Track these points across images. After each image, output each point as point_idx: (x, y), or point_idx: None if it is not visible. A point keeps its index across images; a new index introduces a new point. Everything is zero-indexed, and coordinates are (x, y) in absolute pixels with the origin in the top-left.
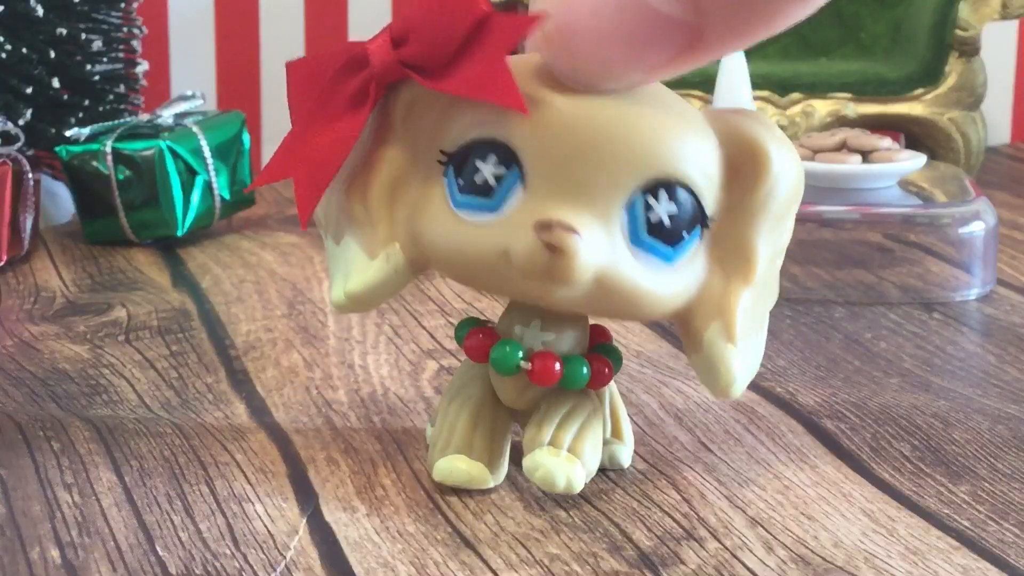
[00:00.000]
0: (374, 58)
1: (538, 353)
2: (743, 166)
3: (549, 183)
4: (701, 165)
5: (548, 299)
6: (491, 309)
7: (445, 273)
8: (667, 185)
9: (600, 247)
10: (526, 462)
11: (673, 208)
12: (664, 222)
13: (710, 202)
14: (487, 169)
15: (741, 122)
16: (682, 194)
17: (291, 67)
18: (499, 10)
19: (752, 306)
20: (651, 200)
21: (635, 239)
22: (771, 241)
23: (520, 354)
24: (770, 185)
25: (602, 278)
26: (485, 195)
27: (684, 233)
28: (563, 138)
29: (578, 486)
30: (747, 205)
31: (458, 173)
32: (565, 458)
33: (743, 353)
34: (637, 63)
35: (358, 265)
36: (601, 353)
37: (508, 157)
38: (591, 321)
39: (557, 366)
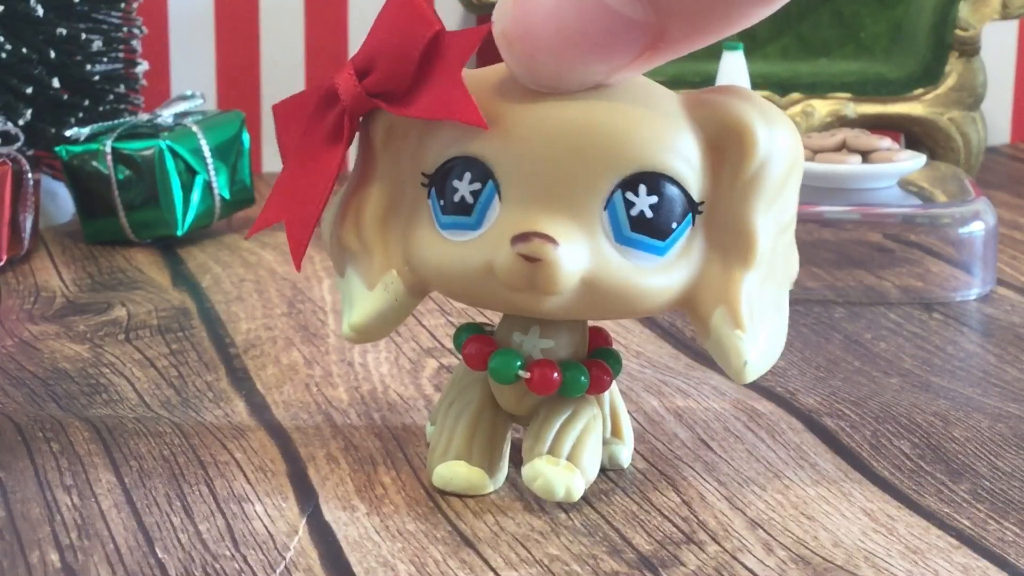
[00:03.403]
0: (343, 92)
1: (537, 362)
2: (727, 146)
3: (524, 193)
4: (679, 152)
5: (538, 309)
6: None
7: (441, 292)
8: (645, 178)
9: (581, 252)
10: (525, 471)
11: (654, 200)
12: (647, 215)
13: (696, 187)
14: (463, 187)
15: (721, 101)
16: (663, 185)
17: (276, 109)
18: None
19: (760, 287)
20: (630, 196)
21: (619, 237)
22: (771, 218)
23: (519, 363)
24: (759, 161)
25: (589, 282)
26: (465, 213)
27: (673, 224)
28: (531, 146)
29: (577, 495)
30: (738, 185)
31: (439, 194)
32: (564, 467)
33: (755, 336)
34: (599, 64)
35: (359, 296)
36: (600, 357)
37: (483, 173)
38: (590, 323)
39: (556, 375)
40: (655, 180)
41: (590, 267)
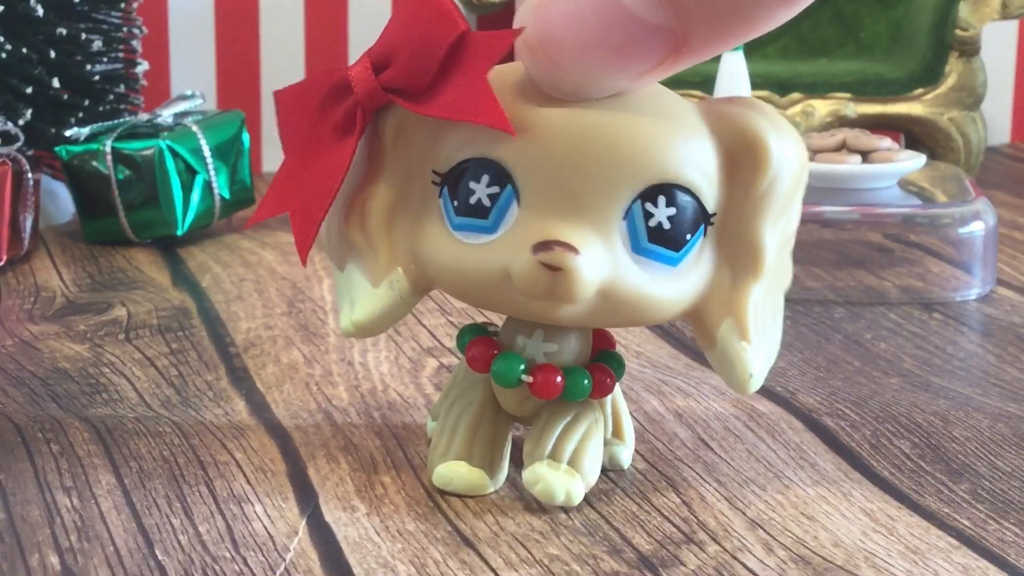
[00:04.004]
0: (357, 85)
1: (540, 366)
2: (742, 158)
3: (544, 199)
4: (697, 164)
5: (552, 317)
6: None
7: (449, 293)
8: (664, 189)
9: (600, 262)
10: (526, 475)
11: (672, 211)
12: (664, 227)
13: (710, 199)
14: (481, 190)
15: (738, 113)
16: (681, 196)
17: (279, 96)
18: (499, 11)
19: (764, 299)
20: (649, 207)
21: (636, 247)
22: (778, 230)
23: (522, 367)
24: (772, 176)
25: (606, 292)
26: (481, 216)
27: (687, 235)
28: (553, 152)
29: (577, 499)
30: (750, 198)
31: (453, 194)
32: (565, 471)
33: (759, 348)
34: (622, 71)
35: (362, 293)
36: (604, 361)
37: (501, 176)
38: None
39: (558, 379)
40: (674, 192)
41: (608, 277)
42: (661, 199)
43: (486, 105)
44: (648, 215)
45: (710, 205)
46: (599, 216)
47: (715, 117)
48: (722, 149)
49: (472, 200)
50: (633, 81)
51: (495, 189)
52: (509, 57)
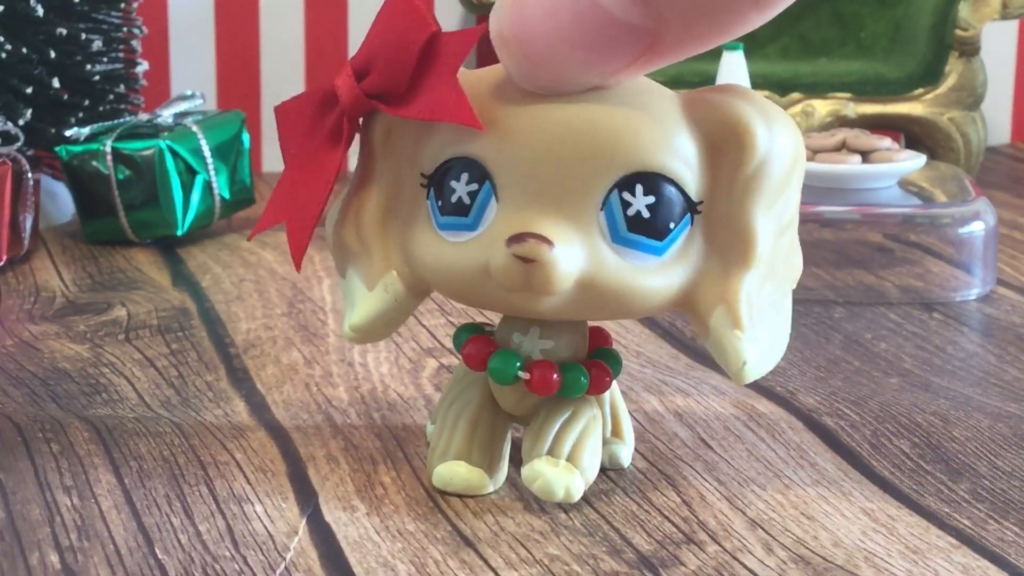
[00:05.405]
0: (341, 94)
1: (536, 363)
2: (726, 145)
3: (520, 194)
4: (675, 152)
5: (534, 310)
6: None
7: (439, 292)
8: (641, 178)
9: (577, 253)
10: (525, 471)
11: (651, 200)
12: (644, 215)
13: (694, 187)
14: (461, 188)
15: (719, 100)
16: (660, 185)
17: (278, 111)
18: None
19: (759, 288)
20: (627, 196)
21: (616, 238)
22: (771, 217)
23: (518, 364)
24: (757, 161)
25: (585, 283)
26: (462, 214)
27: (671, 224)
28: (526, 146)
29: (576, 496)
30: (737, 184)
31: (437, 195)
32: (564, 467)
33: (754, 336)
34: (595, 67)
35: (359, 297)
36: (600, 358)
37: (480, 173)
38: (590, 323)
39: (555, 376)
40: (652, 180)
41: (586, 268)
42: (639, 188)
43: (454, 102)
44: (626, 204)
45: (694, 193)
46: (575, 208)
47: (696, 105)
48: (703, 137)
49: (454, 199)
50: (607, 78)
51: (474, 186)
52: (492, 57)
